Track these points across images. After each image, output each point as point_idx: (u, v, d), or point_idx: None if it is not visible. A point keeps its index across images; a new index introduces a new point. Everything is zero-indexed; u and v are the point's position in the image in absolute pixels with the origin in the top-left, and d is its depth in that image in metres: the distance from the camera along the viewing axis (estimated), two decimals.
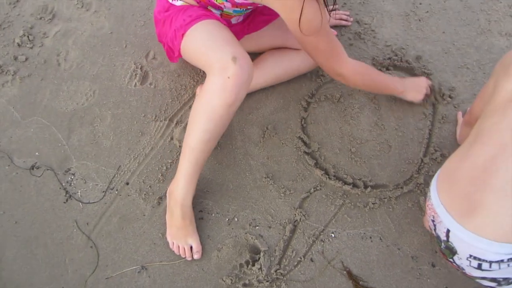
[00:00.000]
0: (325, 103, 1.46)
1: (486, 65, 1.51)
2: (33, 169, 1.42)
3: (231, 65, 1.02)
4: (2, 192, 1.38)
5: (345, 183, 1.32)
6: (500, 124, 0.88)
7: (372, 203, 1.29)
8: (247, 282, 1.20)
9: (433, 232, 1.03)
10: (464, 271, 0.98)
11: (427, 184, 1.31)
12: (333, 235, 1.26)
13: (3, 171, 1.42)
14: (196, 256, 1.22)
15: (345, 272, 1.22)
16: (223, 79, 1.03)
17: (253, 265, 1.22)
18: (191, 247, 1.22)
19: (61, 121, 1.50)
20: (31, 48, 1.69)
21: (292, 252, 1.24)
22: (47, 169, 1.41)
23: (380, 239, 1.26)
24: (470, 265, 0.94)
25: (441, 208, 0.96)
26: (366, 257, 1.23)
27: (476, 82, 1.48)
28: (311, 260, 1.23)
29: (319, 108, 1.45)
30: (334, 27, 1.58)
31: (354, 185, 1.31)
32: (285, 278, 1.21)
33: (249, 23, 1.37)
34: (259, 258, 1.22)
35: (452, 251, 0.96)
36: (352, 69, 1.20)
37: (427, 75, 1.49)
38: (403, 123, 1.42)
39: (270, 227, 1.27)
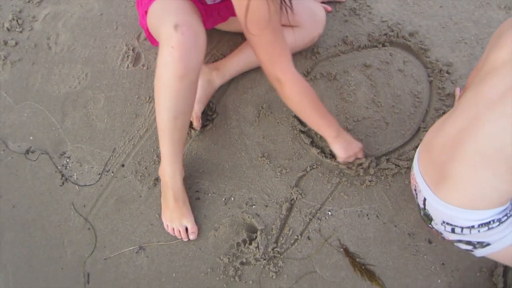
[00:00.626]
0: (320, 80, 1.43)
1: (484, 39, 1.47)
2: (28, 153, 1.41)
3: (173, 34, 0.95)
4: None
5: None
6: (476, 95, 0.88)
7: (369, 181, 1.28)
8: (244, 260, 1.20)
9: (416, 200, 1.06)
10: (442, 235, 1.03)
11: None
12: (329, 213, 1.26)
13: None
14: (191, 237, 1.22)
15: (341, 249, 1.22)
16: (168, 50, 0.96)
17: (250, 243, 1.22)
18: (186, 228, 1.22)
19: (54, 105, 1.48)
20: (21, 32, 1.66)
21: (289, 230, 1.24)
22: (42, 153, 1.40)
23: (377, 216, 1.25)
24: (445, 230, 0.98)
25: (420, 177, 0.99)
26: (363, 234, 1.23)
27: (474, 57, 1.45)
28: (308, 238, 1.23)
29: (315, 86, 1.42)
30: (328, 3, 1.54)
31: (351, 163, 1.30)
32: (282, 256, 1.21)
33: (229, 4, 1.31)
34: (256, 237, 1.22)
35: (429, 218, 1.01)
36: (292, 79, 1.09)
37: (424, 51, 1.46)
38: (400, 100, 1.39)
39: (266, 206, 1.27)
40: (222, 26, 1.43)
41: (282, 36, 1.06)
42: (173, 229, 1.22)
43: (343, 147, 1.23)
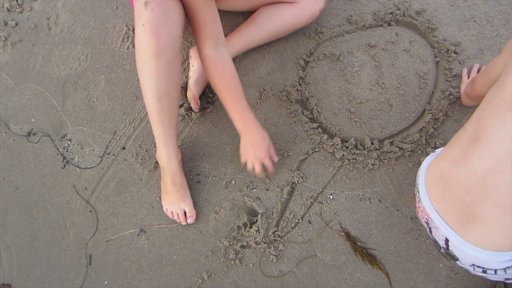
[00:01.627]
0: (323, 62, 1.36)
1: (494, 17, 1.38)
2: (29, 135, 1.38)
3: (144, 11, 0.91)
4: (1, 159, 1.35)
5: (344, 144, 1.25)
6: (502, 129, 0.77)
7: (372, 164, 1.23)
8: (244, 244, 1.17)
9: (429, 233, 0.96)
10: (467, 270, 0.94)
11: (428, 144, 1.24)
12: (331, 197, 1.22)
13: (0, 138, 1.38)
14: (189, 221, 1.19)
15: (343, 233, 1.18)
16: (140, 27, 0.92)
17: (251, 227, 1.19)
18: (185, 212, 1.19)
19: (55, 87, 1.43)
20: (21, 12, 1.60)
21: (290, 214, 1.20)
22: (44, 135, 1.37)
23: (379, 200, 1.21)
24: (474, 271, 0.90)
25: (436, 215, 0.89)
26: (365, 218, 1.19)
27: (484, 36, 1.36)
28: (309, 222, 1.20)
29: (318, 67, 1.36)
30: None
31: (354, 146, 1.25)
32: (282, 240, 1.18)
33: None
34: (256, 221, 1.19)
35: (454, 258, 0.92)
36: (205, 58, 1.05)
37: (432, 30, 1.37)
38: (405, 81, 1.32)
39: (267, 190, 1.23)
40: (222, 5, 1.36)
41: (208, 10, 1.01)
42: (172, 212, 1.19)
43: (242, 146, 1.12)
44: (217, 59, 1.06)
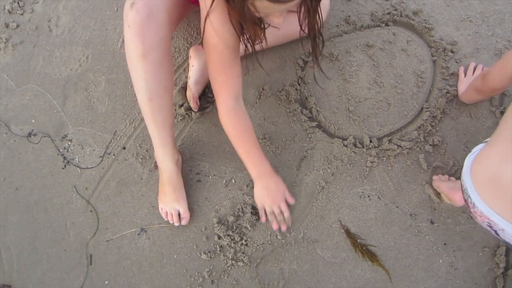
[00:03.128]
0: (322, 61, 1.35)
1: (490, 17, 1.37)
2: (30, 136, 1.35)
3: (129, 12, 0.90)
4: (1, 160, 1.32)
5: (343, 142, 1.23)
6: None
7: (371, 162, 1.21)
8: (245, 242, 1.15)
9: (496, 236, 0.90)
10: None
11: (426, 141, 1.23)
12: (331, 194, 1.19)
13: (1, 139, 1.36)
14: (182, 222, 1.16)
15: (343, 230, 1.16)
16: (126, 29, 0.91)
17: (251, 226, 1.16)
18: (179, 213, 1.17)
19: (56, 88, 1.41)
20: (22, 14, 1.57)
21: (290, 212, 1.18)
22: (44, 136, 1.34)
23: (379, 197, 1.19)
24: None
25: (497, 217, 0.84)
26: (364, 215, 1.17)
27: (479, 35, 1.35)
28: (309, 219, 1.17)
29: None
30: None
31: (352, 144, 1.23)
32: (283, 238, 1.15)
33: None
34: (257, 219, 1.17)
35: None
36: (227, 113, 1.05)
37: (428, 30, 1.36)
38: (403, 80, 1.31)
39: None
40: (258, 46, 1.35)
41: (232, 68, 1.01)
42: (166, 212, 1.17)
43: (256, 194, 1.13)
44: (237, 111, 1.06)
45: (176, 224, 1.17)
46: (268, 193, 1.12)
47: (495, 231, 0.88)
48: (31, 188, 1.28)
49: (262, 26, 1.00)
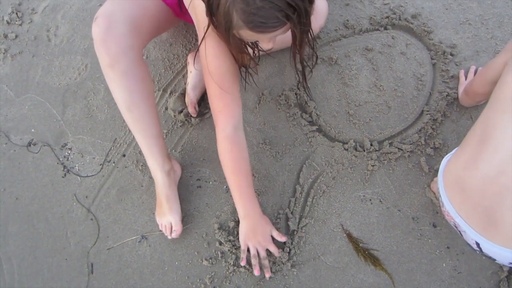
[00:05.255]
0: (321, 65, 1.41)
1: (489, 20, 1.44)
2: (30, 145, 1.41)
3: (92, 27, 0.98)
4: (1, 170, 1.39)
5: (344, 146, 1.29)
6: (508, 128, 0.79)
7: (372, 165, 1.26)
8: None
9: (464, 239, 0.96)
10: None
11: (427, 144, 1.28)
12: (332, 198, 1.24)
13: (0, 149, 1.42)
14: (173, 235, 1.18)
15: (345, 234, 1.20)
16: (94, 43, 1.00)
17: None
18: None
19: (55, 97, 1.48)
20: (20, 25, 1.65)
21: (292, 215, 1.23)
22: (44, 145, 1.40)
23: (380, 201, 1.24)
24: None
25: (460, 219, 0.90)
26: (366, 219, 1.22)
27: (479, 38, 1.41)
28: (311, 224, 1.22)
29: (316, 71, 1.40)
30: None
31: (353, 148, 1.29)
32: (284, 243, 1.20)
33: None
34: None
35: (491, 258, 0.92)
36: (224, 140, 1.07)
37: (427, 33, 1.42)
38: (403, 83, 1.37)
39: (268, 193, 1.26)
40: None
41: (233, 92, 1.05)
42: (161, 224, 1.21)
43: (241, 233, 1.15)
44: (235, 142, 1.08)
45: (169, 237, 1.19)
46: (254, 234, 1.14)
47: (459, 232, 0.95)
48: (32, 197, 1.34)
49: (254, 52, 1.05)
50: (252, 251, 1.15)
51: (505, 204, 0.80)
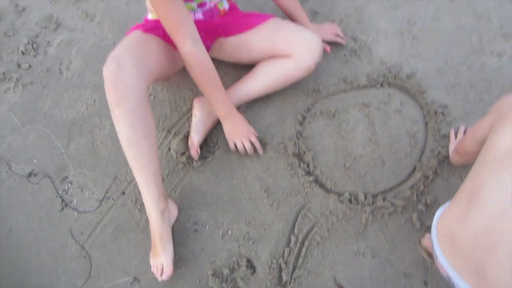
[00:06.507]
0: (320, 117, 1.36)
1: (478, 83, 1.42)
2: (30, 176, 1.32)
3: (103, 70, 1.01)
4: None
5: (339, 198, 1.22)
6: (496, 186, 0.78)
7: (365, 219, 1.19)
8: None
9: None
10: None
11: (419, 201, 1.22)
12: (326, 250, 1.17)
13: (0, 177, 1.32)
14: (163, 277, 1.08)
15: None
16: (104, 83, 1.01)
17: (247, 279, 1.12)
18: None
19: (61, 129, 1.40)
20: (35, 56, 1.60)
21: (285, 265, 1.14)
22: (45, 177, 1.31)
23: (373, 256, 1.16)
24: None
25: (453, 271, 0.86)
26: (359, 273, 1.14)
27: (468, 100, 1.39)
28: (305, 275, 1.14)
29: (315, 123, 1.36)
30: (329, 43, 1.49)
31: (348, 200, 1.22)
32: None
33: (216, 26, 1.30)
34: (252, 273, 1.13)
35: None
36: (187, 54, 1.10)
37: (421, 93, 1.40)
38: (397, 139, 1.33)
39: (263, 241, 1.18)
40: (224, 56, 1.38)
41: (178, 10, 1.06)
42: (153, 265, 1.11)
43: (227, 131, 1.25)
44: (198, 53, 1.12)
45: (159, 279, 1.09)
46: (238, 128, 1.24)
47: (453, 285, 0.89)
48: (26, 229, 1.23)
49: None
50: (240, 146, 1.25)
51: (494, 259, 0.76)
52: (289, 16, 1.43)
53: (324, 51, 1.40)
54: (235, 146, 1.26)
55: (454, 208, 0.89)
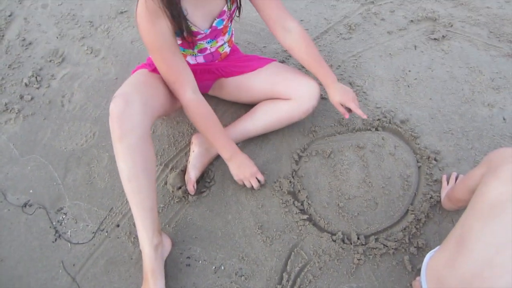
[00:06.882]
0: (316, 158, 1.57)
1: (469, 132, 1.64)
2: (25, 206, 1.49)
3: (111, 104, 1.17)
4: None
5: (332, 237, 1.39)
6: (482, 235, 0.92)
7: (358, 259, 1.35)
8: None
9: None
10: None
11: (411, 243, 1.38)
12: None
13: None
14: None
15: None
16: (109, 118, 1.18)
17: None
18: None
19: (59, 160, 1.59)
20: (38, 88, 1.83)
21: None
22: (40, 207, 1.48)
23: None
24: None
25: None
26: None
27: (460, 147, 1.60)
28: None
29: (310, 162, 1.56)
30: (349, 110, 1.48)
31: (341, 240, 1.39)
32: None
33: (217, 68, 1.53)
34: None
35: None
36: (187, 104, 1.31)
37: (414, 138, 1.62)
38: (390, 182, 1.52)
39: (256, 278, 1.32)
40: (225, 96, 1.62)
41: (177, 63, 1.28)
42: None
43: (234, 172, 1.44)
44: (198, 100, 1.33)
45: None
46: (244, 170, 1.43)
47: None
48: (17, 260, 1.38)
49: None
50: (247, 184, 1.45)
51: None
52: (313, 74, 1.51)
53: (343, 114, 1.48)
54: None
55: (444, 253, 1.03)
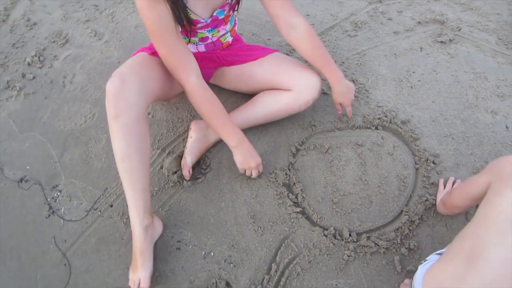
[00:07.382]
0: (313, 152, 1.62)
1: (470, 137, 1.69)
2: (21, 182, 1.55)
3: (107, 84, 1.21)
4: None
5: (324, 232, 1.44)
6: (502, 250, 0.91)
7: (348, 256, 1.40)
8: None
9: None
10: None
11: (402, 244, 1.43)
12: (305, 282, 1.36)
13: None
14: None
15: None
16: (105, 97, 1.22)
17: None
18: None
19: (57, 139, 1.66)
20: (40, 68, 1.90)
21: None
22: (35, 183, 1.54)
23: None
24: None
25: None
26: None
27: (460, 152, 1.65)
28: None
29: (307, 156, 1.61)
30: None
31: (332, 235, 1.44)
32: None
33: (219, 56, 1.59)
34: None
35: None
36: (191, 89, 1.33)
37: (414, 139, 1.67)
38: (386, 181, 1.57)
39: (244, 266, 1.38)
40: (225, 84, 1.68)
41: (180, 47, 1.30)
42: (131, 279, 1.29)
43: (239, 160, 1.48)
44: (202, 85, 1.35)
45: None
46: (249, 160, 1.47)
47: None
48: (10, 234, 1.44)
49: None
50: (248, 174, 1.52)
51: None
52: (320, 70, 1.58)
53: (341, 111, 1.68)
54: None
55: (450, 267, 1.02)
